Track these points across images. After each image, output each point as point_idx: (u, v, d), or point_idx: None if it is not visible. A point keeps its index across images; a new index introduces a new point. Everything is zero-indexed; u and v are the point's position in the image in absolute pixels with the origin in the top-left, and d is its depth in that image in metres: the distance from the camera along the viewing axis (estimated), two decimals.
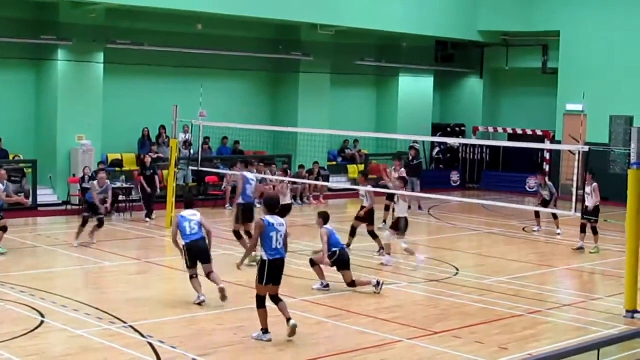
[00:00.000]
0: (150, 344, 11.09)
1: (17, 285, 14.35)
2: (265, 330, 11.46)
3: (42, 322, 12.09)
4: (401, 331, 12.17)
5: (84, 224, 18.59)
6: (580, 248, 19.38)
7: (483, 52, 34.47)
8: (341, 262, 14.52)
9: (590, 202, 18.98)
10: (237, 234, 16.92)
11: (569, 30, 30.37)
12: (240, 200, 17.06)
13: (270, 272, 11.34)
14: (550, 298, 14.88)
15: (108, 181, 19.80)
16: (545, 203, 21.82)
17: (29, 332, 11.55)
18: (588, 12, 29.98)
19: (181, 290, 14.30)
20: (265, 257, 11.35)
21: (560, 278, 17.39)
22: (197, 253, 13.28)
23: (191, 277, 13.38)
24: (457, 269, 16.93)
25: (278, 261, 11.42)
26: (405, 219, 17.10)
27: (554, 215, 21.55)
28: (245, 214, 16.89)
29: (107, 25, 25.07)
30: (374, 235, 17.85)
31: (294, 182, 25.79)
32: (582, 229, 19.38)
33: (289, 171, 26.10)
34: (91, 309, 12.84)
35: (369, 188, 18.13)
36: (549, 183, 22.31)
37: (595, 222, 19.17)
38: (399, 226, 16.95)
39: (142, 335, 11.50)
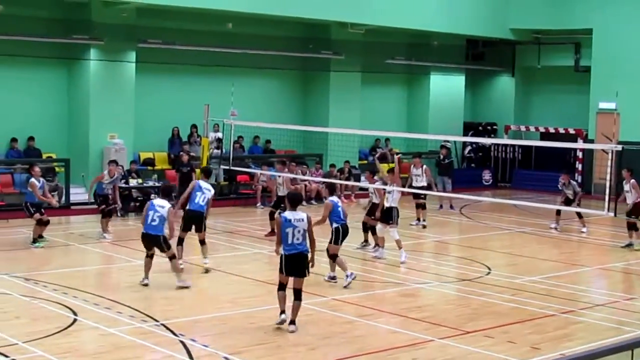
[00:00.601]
0: (182, 343, 11.13)
1: (50, 283, 14.47)
2: (281, 312, 11.82)
3: (75, 320, 12.17)
4: (433, 331, 12.12)
5: (104, 216, 19.28)
6: (630, 245, 19.36)
7: (515, 50, 34.20)
8: (343, 237, 14.84)
9: (630, 200, 18.91)
10: (180, 240, 15.88)
11: (602, 28, 30.02)
12: (188, 206, 16.06)
13: (287, 266, 11.69)
14: (583, 298, 14.75)
15: (117, 174, 20.17)
16: (568, 202, 21.77)
17: (62, 330, 11.62)
18: (621, 10, 29.65)
19: (213, 289, 14.39)
20: (282, 252, 11.74)
21: (593, 278, 17.24)
22: (148, 242, 14.41)
23: (147, 256, 14.53)
24: (489, 269, 16.84)
25: (294, 256, 11.66)
26: (397, 209, 17.25)
27: (579, 215, 21.42)
28: (188, 222, 15.90)
29: (139, 25, 25.21)
30: (374, 231, 17.95)
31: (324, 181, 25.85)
32: (629, 227, 19.31)
33: (287, 163, 25.92)
34: (123, 307, 12.92)
35: (378, 185, 18.20)
36: (573, 182, 22.42)
37: (635, 219, 19.09)
38: (391, 216, 17.06)
39: (174, 334, 11.54)
